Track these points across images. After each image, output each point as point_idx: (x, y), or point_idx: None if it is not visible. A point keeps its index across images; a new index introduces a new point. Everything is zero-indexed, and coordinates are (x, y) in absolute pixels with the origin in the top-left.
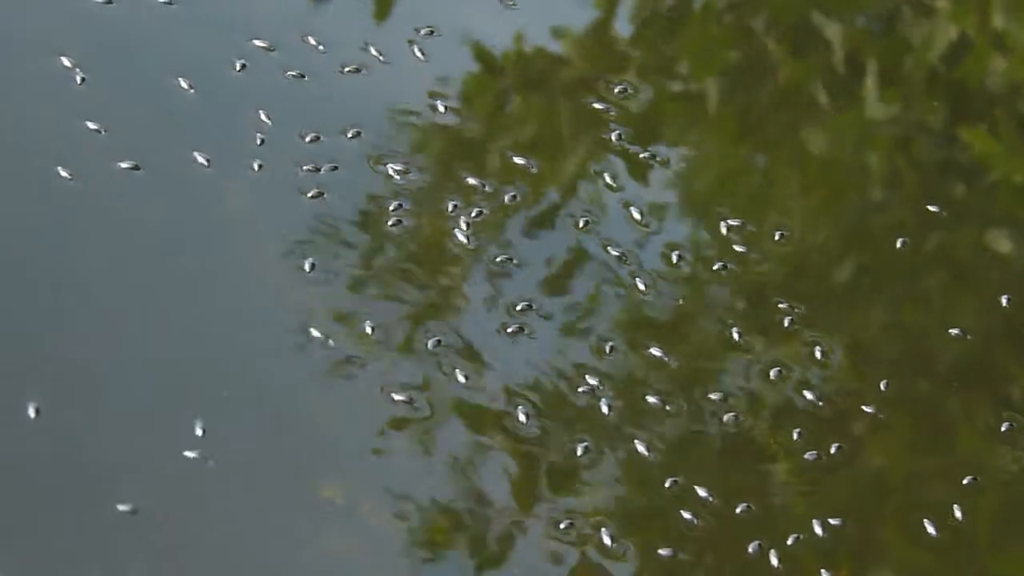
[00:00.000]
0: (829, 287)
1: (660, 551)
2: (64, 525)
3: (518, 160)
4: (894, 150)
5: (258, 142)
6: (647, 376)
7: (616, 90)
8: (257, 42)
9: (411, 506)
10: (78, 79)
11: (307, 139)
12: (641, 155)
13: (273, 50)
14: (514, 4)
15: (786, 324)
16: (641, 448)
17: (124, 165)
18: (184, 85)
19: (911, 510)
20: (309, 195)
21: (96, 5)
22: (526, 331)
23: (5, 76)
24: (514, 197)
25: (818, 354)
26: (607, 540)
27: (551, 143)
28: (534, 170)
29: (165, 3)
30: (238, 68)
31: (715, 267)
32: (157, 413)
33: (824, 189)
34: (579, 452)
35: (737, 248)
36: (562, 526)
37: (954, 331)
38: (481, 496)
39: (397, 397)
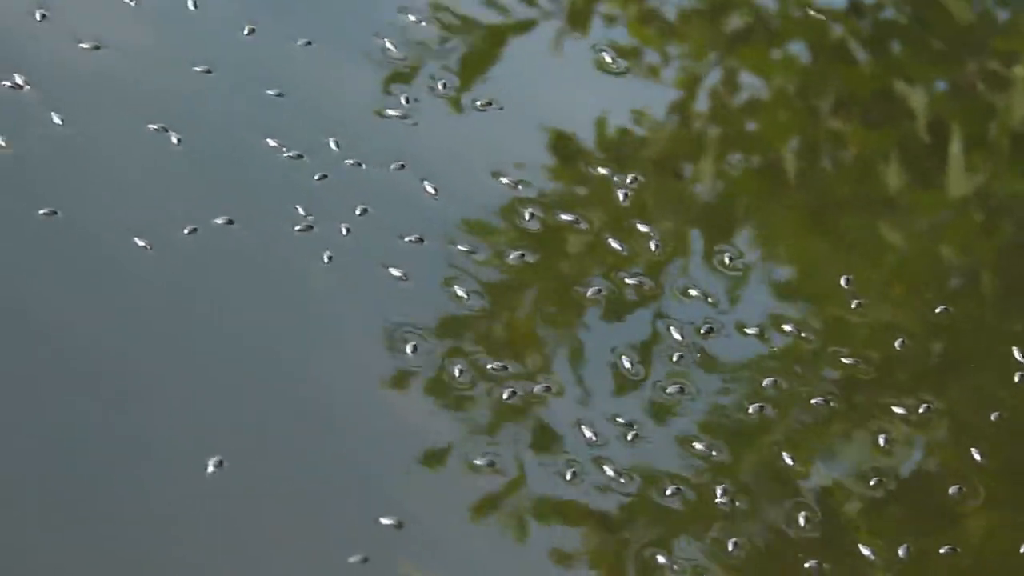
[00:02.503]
0: (919, 369)
1: None
2: None
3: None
4: (979, 235)
5: (343, 231)
6: (735, 464)
7: (691, 173)
8: (332, 141)
9: None
10: (174, 139)
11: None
12: (717, 247)
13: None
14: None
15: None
16: (731, 546)
17: (211, 225)
18: (279, 149)
19: None
20: (394, 272)
21: (194, 73)
22: (614, 422)
23: (97, 137)
24: (598, 290)
25: (881, 442)
26: None
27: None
28: (625, 253)
29: (275, 95)
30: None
31: (793, 355)
32: (232, 489)
33: (903, 283)
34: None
35: (810, 333)
36: None
37: None
38: None
39: (487, 483)
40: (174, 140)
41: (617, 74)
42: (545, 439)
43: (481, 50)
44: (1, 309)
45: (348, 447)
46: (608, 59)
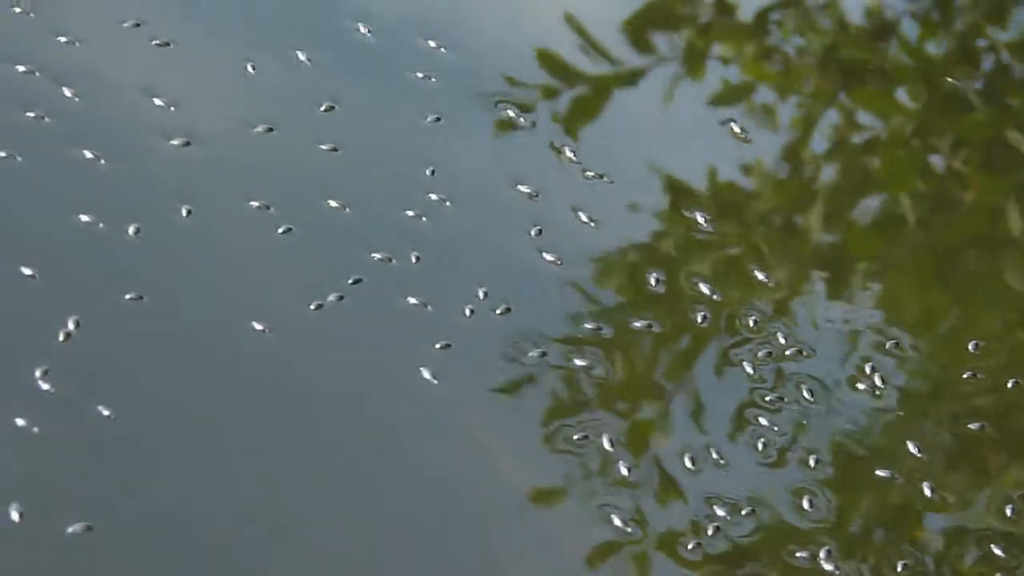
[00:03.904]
0: None
1: None
2: None
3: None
4: None
5: (466, 314)
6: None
7: (805, 220)
8: (433, 195)
9: None
10: (280, 230)
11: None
12: (835, 295)
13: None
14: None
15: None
16: None
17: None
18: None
19: None
20: (498, 311)
21: (318, 152)
22: (723, 461)
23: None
24: (703, 317)
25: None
26: None
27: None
28: (716, 298)
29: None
30: (411, 214)
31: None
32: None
33: None
34: None
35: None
36: None
37: None
38: None
39: (603, 529)
40: (275, 216)
41: (745, 141)
42: (665, 488)
43: (589, 101)
44: (127, 397)
45: (462, 512)
46: (736, 128)
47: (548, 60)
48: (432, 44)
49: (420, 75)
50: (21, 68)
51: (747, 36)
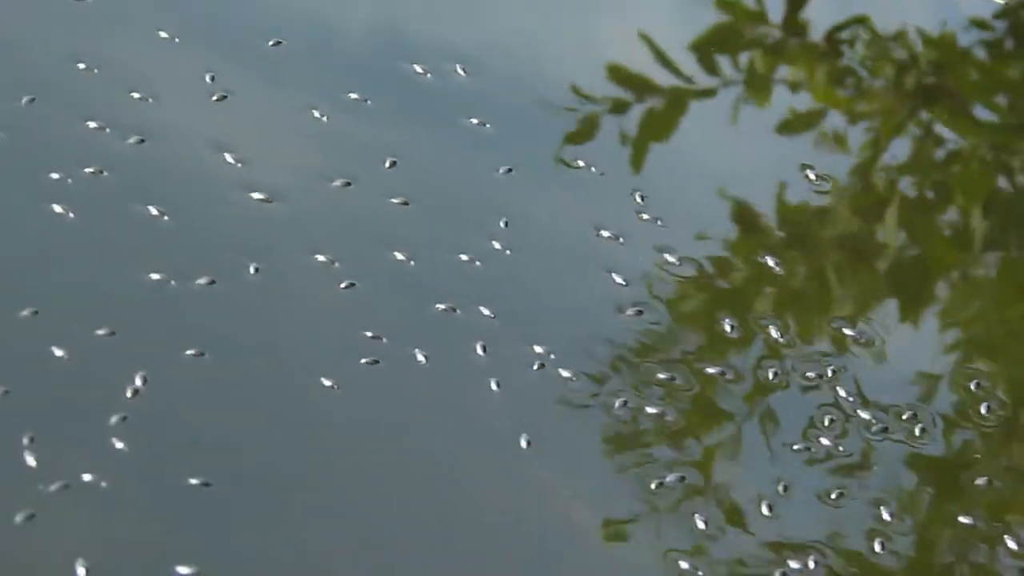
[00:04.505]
0: None
1: None
2: None
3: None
4: None
5: (535, 360)
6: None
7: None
8: (495, 243)
9: None
10: (343, 285)
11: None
12: (909, 318)
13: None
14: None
15: None
16: None
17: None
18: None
19: None
20: (567, 357)
21: (393, 205)
22: (795, 493)
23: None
24: (763, 357)
25: None
26: None
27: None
28: (783, 337)
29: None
30: (467, 260)
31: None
32: None
33: None
34: None
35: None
36: None
37: None
38: None
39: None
40: (338, 270)
41: (820, 192)
42: (734, 530)
43: (661, 114)
44: (199, 452)
45: (529, 553)
46: (812, 176)
47: (618, 73)
48: (482, 76)
49: (476, 121)
50: (92, 124)
51: (818, 58)
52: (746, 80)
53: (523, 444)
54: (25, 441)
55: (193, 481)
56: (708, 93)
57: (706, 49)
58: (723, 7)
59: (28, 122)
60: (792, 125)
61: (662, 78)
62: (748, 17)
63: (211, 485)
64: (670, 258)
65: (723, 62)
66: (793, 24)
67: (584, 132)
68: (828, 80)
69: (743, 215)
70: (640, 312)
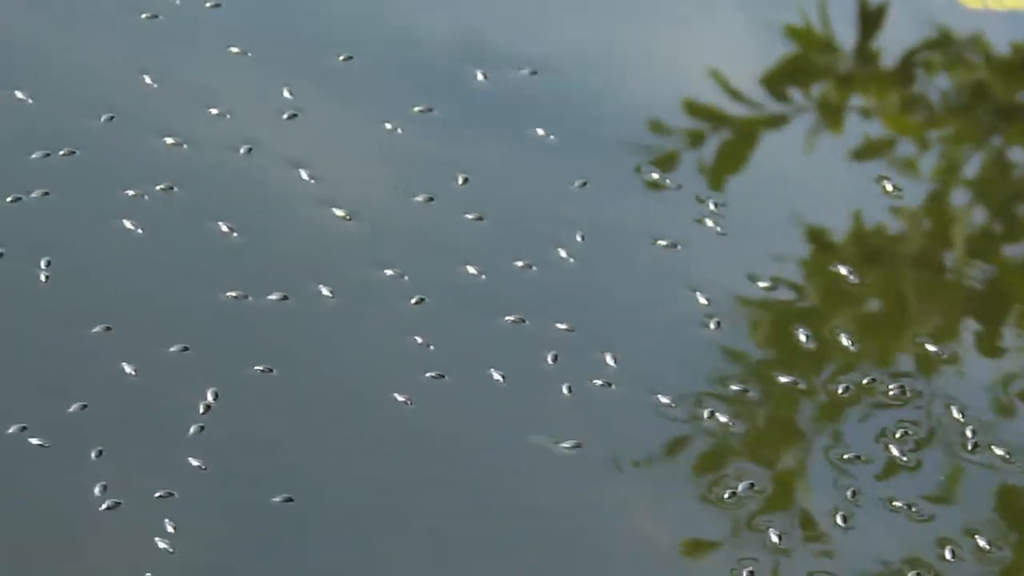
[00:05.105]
0: None
1: None
2: None
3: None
4: None
5: (607, 374)
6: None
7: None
8: (571, 258)
9: None
10: (412, 301)
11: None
12: (985, 340)
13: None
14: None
15: None
16: None
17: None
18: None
19: None
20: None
21: (465, 223)
22: (868, 518)
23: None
24: (845, 386)
25: None
26: None
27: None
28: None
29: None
30: (527, 267)
31: None
32: None
33: None
34: None
35: None
36: None
37: None
38: None
39: None
40: (408, 284)
41: (897, 202)
42: (811, 544)
43: (734, 145)
44: (272, 466)
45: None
46: (889, 187)
47: (694, 107)
48: (558, 91)
49: (543, 131)
50: (169, 140)
51: (890, 85)
52: (818, 108)
53: (597, 458)
54: (92, 455)
55: (275, 499)
56: (781, 121)
57: (779, 81)
58: (793, 36)
59: (107, 140)
60: (866, 152)
61: (734, 108)
62: (818, 46)
63: (293, 500)
64: (745, 274)
65: (795, 93)
66: (864, 51)
67: (663, 161)
68: (900, 107)
69: (818, 236)
70: (719, 325)
